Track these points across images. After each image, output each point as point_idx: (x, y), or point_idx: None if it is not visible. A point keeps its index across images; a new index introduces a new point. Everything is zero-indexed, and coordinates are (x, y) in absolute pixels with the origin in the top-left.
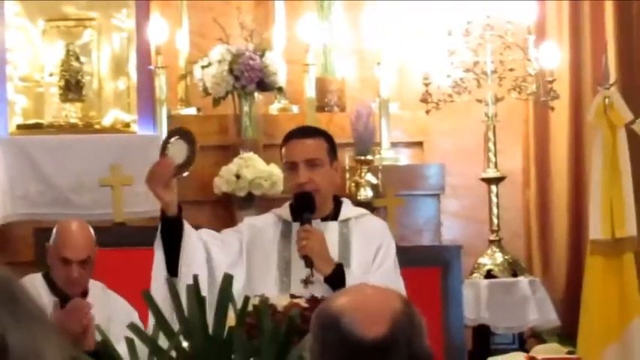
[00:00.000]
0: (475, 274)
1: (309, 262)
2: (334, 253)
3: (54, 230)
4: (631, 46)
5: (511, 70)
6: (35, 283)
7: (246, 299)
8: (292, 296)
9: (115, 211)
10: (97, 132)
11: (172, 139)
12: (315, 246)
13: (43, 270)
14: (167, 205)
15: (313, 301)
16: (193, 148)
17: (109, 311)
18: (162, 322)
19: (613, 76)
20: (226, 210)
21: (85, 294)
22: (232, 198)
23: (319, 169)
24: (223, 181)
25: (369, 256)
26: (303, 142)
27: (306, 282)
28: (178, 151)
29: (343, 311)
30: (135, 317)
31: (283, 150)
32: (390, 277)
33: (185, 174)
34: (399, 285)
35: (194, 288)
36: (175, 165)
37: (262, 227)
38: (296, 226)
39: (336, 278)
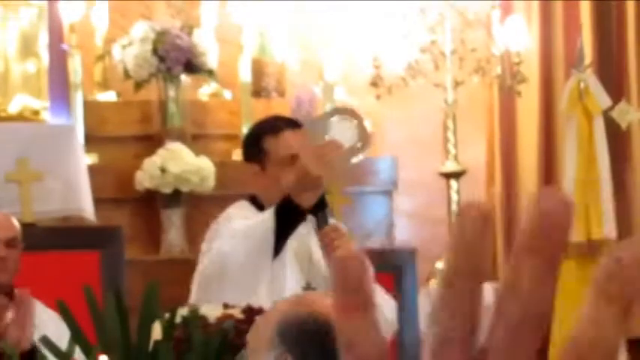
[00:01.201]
0: (432, 281)
1: None
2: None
3: None
4: (609, 24)
5: (473, 50)
6: None
7: (174, 309)
8: (225, 306)
9: (23, 210)
10: (2, 120)
11: (334, 118)
12: (349, 247)
13: None
14: (313, 196)
15: (249, 311)
16: (363, 126)
17: (36, 320)
18: (78, 336)
19: (588, 58)
20: (149, 208)
21: (9, 296)
22: (156, 195)
23: None
24: (146, 176)
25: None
26: (300, 134)
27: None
28: (341, 132)
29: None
30: (64, 328)
31: (272, 141)
32: None
33: (358, 157)
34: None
35: (115, 296)
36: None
37: None
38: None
39: None
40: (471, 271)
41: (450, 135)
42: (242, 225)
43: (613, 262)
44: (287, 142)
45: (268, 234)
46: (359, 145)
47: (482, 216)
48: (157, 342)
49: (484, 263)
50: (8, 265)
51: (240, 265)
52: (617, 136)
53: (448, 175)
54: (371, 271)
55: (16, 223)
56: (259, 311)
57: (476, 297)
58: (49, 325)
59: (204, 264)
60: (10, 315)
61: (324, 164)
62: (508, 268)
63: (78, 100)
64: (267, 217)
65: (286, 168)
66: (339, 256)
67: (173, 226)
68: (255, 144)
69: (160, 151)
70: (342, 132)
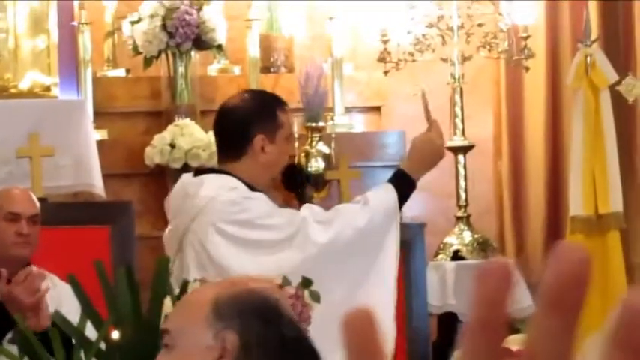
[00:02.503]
0: (440, 256)
1: None
2: None
3: None
4: None
5: (480, 25)
6: None
7: (185, 283)
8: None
9: (34, 185)
10: (13, 96)
11: None
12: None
13: None
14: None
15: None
16: None
17: (57, 294)
18: (90, 311)
19: (595, 32)
20: (159, 184)
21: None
22: (166, 170)
23: None
24: (156, 152)
25: None
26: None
27: None
28: None
29: (274, 293)
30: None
31: (284, 115)
32: None
33: None
34: None
35: (126, 271)
36: None
37: None
38: None
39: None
40: (493, 326)
41: (458, 110)
42: (370, 199)
43: (624, 309)
44: (289, 119)
45: (394, 210)
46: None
47: (503, 274)
48: (167, 316)
49: (506, 318)
50: (31, 240)
51: (374, 243)
52: (623, 110)
53: (456, 150)
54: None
55: (36, 199)
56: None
57: (497, 350)
58: (65, 299)
59: (330, 237)
60: (45, 285)
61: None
62: (530, 327)
63: (87, 76)
64: (391, 195)
65: (288, 144)
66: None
67: None
68: (271, 115)
69: (170, 127)
70: None
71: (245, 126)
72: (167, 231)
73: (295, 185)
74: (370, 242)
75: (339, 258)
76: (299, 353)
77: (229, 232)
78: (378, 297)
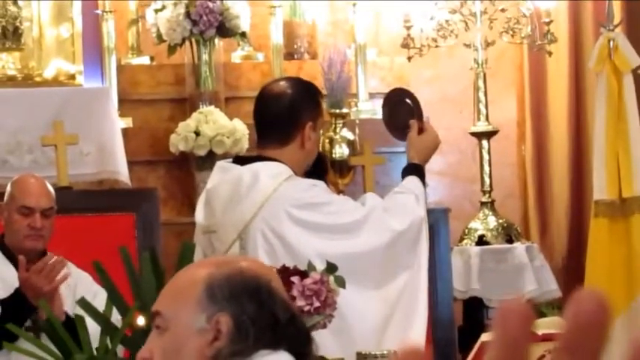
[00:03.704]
0: (465, 241)
1: None
2: None
3: (8, 187)
4: None
5: (503, 10)
6: None
7: None
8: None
9: (58, 173)
10: (38, 85)
11: None
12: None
13: None
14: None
15: (284, 271)
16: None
17: (73, 282)
18: (115, 297)
19: (618, 16)
20: (183, 171)
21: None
22: (190, 157)
23: None
24: (181, 139)
25: None
26: None
27: None
28: None
29: (266, 275)
30: (102, 293)
31: (322, 104)
32: None
33: None
34: None
35: (151, 258)
36: None
37: None
38: None
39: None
40: None
41: (481, 95)
42: (414, 189)
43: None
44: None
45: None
46: None
47: (524, 316)
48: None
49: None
50: (44, 233)
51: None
52: None
53: (479, 135)
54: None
55: (52, 190)
56: (295, 272)
57: None
58: (80, 286)
59: (405, 226)
60: (65, 271)
61: None
62: None
63: (112, 64)
64: (420, 185)
65: (315, 134)
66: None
67: None
68: (317, 102)
69: (194, 115)
70: None
71: (297, 112)
72: (208, 220)
73: (320, 173)
74: (422, 230)
75: (408, 245)
76: (292, 335)
77: (303, 217)
78: (423, 281)
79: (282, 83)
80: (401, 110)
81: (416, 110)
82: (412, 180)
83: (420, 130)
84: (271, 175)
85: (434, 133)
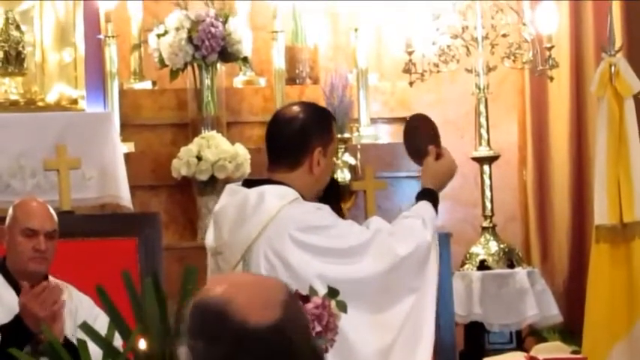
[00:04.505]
0: (466, 265)
1: None
2: None
3: (9, 210)
4: (639, 6)
5: (504, 35)
6: None
7: None
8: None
9: (61, 197)
10: (40, 109)
11: None
12: None
13: None
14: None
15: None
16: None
17: (73, 306)
18: (118, 321)
19: (619, 41)
20: (185, 195)
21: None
22: (192, 182)
23: None
24: (182, 164)
25: None
26: None
27: None
28: None
29: (228, 299)
30: (102, 317)
31: (334, 131)
32: None
33: None
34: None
35: (153, 282)
36: None
37: None
38: None
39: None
40: None
41: (483, 120)
42: (422, 214)
43: None
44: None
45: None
46: None
47: None
48: None
49: None
50: (47, 256)
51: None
52: None
53: (481, 160)
54: None
55: (54, 213)
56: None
57: None
58: (81, 310)
59: (410, 250)
60: (66, 294)
61: None
62: None
63: (114, 88)
64: (432, 210)
65: (332, 158)
66: None
67: (209, 212)
68: (329, 128)
69: (196, 139)
70: None
71: (307, 137)
72: (217, 241)
73: (331, 199)
74: (430, 254)
75: (414, 269)
76: None
77: (307, 240)
78: (430, 305)
79: (295, 107)
80: (420, 136)
81: (434, 137)
82: (423, 205)
83: (438, 156)
84: (277, 196)
85: (451, 159)
